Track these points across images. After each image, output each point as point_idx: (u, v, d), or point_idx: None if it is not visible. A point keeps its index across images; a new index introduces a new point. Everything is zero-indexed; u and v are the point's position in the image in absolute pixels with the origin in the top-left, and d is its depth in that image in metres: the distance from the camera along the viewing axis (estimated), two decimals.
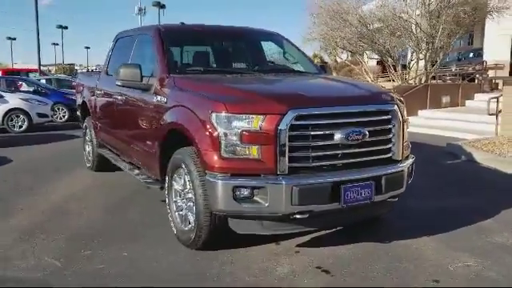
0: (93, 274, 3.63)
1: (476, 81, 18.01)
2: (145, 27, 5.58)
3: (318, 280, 3.51)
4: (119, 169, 7.19)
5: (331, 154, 3.69)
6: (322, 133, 3.63)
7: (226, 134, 3.57)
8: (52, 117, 14.48)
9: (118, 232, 4.57)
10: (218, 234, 3.90)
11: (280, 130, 3.49)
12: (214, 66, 5.28)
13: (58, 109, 15.81)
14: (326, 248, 4.10)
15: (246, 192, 3.54)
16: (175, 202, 4.30)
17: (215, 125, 3.61)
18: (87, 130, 7.49)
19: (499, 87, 19.24)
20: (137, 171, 5.35)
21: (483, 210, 5.28)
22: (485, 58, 24.04)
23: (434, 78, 16.08)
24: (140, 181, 5.11)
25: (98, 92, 6.49)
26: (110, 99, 6.01)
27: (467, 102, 15.13)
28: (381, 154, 3.96)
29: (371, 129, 3.82)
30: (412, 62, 14.96)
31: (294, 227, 3.83)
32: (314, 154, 3.62)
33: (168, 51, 4.85)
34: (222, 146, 3.58)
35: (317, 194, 3.58)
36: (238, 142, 3.55)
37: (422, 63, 15.00)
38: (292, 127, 3.52)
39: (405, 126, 4.17)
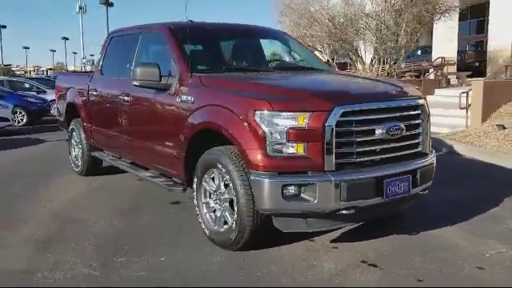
0: (138, 281, 3.50)
1: (434, 77, 18.76)
2: (150, 25, 5.41)
3: (370, 274, 3.55)
4: (110, 172, 7.06)
5: (373, 150, 3.74)
6: (365, 128, 3.68)
7: (271, 133, 3.54)
8: (12, 120, 13.82)
9: (141, 237, 4.42)
10: (259, 234, 3.86)
11: (327, 126, 3.50)
12: (232, 64, 5.21)
13: (16, 112, 15.08)
14: (360, 242, 4.15)
15: (293, 190, 3.53)
16: (206, 203, 4.23)
17: (259, 123, 3.57)
18: (74, 133, 7.19)
19: (451, 82, 20.25)
20: (148, 173, 5.20)
21: (486, 198, 5.52)
22: (434, 55, 25.14)
23: (388, 74, 16.56)
24: (159, 184, 4.95)
25: (93, 93, 6.24)
26: (111, 100, 5.81)
27: (429, 97, 15.61)
28: (413, 148, 4.06)
29: (406, 123, 3.91)
30: (374, 60, 15.36)
31: (336, 223, 3.86)
32: (358, 150, 3.66)
33: (184, 50, 4.73)
34: (268, 145, 3.55)
35: (363, 190, 3.62)
36: (284, 140, 3.53)
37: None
38: (337, 123, 3.54)
39: (430, 121, 4.29)
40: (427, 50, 26.64)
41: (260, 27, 5.86)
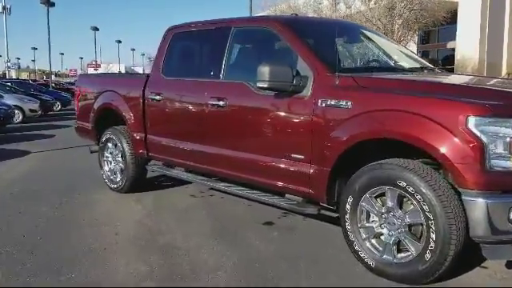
0: None
1: None
2: (248, 19, 4.69)
3: None
4: (151, 188, 6.21)
5: None
6: None
7: (489, 143, 2.96)
8: None
9: (279, 268, 3.66)
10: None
11: None
12: (360, 62, 4.55)
13: None
14: None
15: None
16: (367, 227, 3.56)
17: (474, 131, 2.97)
18: (110, 144, 6.22)
19: None
20: (262, 193, 4.42)
21: None
22: None
23: None
24: (282, 206, 4.20)
25: (154, 97, 5.34)
26: (189, 106, 4.98)
27: None
28: None
29: None
30: None
31: None
32: None
33: (312, 46, 4.05)
34: (486, 158, 2.96)
35: None
36: (507, 152, 2.96)
37: None
38: None
39: None
40: None
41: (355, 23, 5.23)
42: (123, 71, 53.62)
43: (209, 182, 4.97)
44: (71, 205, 5.62)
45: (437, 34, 29.85)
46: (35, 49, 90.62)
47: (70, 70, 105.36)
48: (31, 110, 17.82)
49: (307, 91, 3.83)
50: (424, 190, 3.14)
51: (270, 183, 4.25)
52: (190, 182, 5.84)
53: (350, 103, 3.54)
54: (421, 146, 3.17)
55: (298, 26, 4.27)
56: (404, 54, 4.99)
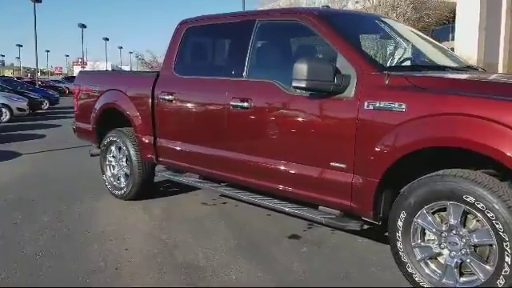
0: None
1: None
2: (276, 11, 4.23)
3: None
4: (160, 194, 5.85)
5: None
6: None
7: None
8: None
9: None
10: None
11: None
12: (400, 59, 4.11)
13: None
14: None
15: None
16: (423, 247, 3.14)
17: None
18: (113, 147, 5.74)
19: None
20: (294, 205, 3.96)
21: None
22: None
23: None
24: (318, 220, 3.73)
25: (165, 97, 4.86)
26: (207, 107, 4.52)
27: None
28: None
29: None
30: None
31: None
32: None
33: (354, 41, 3.61)
34: None
35: None
36: None
37: None
38: None
39: None
40: None
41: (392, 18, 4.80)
42: (110, 69, 52.67)
43: (231, 192, 4.48)
44: (72, 214, 5.13)
45: (430, 34, 29.70)
46: (20, 46, 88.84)
47: (56, 68, 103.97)
48: (19, 109, 17.12)
49: (349, 92, 3.39)
50: (497, 207, 2.72)
51: (303, 194, 3.81)
52: (199, 188, 5.39)
53: (404, 105, 3.11)
54: (490, 153, 2.76)
55: (335, 19, 3.84)
56: (443, 51, 4.56)
